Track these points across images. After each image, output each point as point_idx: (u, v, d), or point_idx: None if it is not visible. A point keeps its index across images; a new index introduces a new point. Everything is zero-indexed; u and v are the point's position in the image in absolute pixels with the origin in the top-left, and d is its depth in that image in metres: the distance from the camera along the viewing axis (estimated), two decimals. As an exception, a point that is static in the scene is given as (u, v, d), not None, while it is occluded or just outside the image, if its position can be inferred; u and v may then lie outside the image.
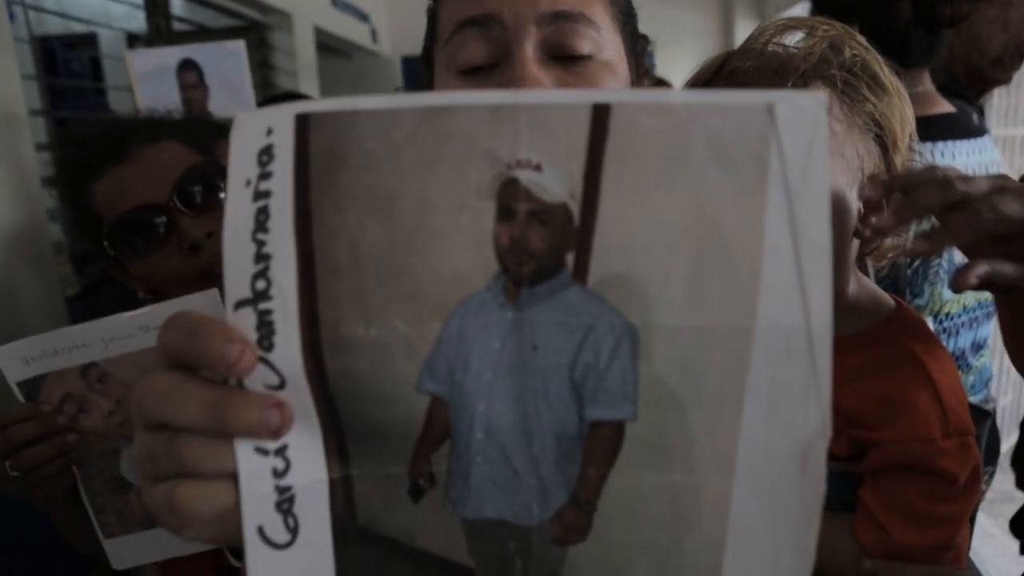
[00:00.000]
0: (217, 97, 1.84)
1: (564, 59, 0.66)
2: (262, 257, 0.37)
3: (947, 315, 1.23)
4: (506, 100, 0.35)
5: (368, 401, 0.39)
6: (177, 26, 3.14)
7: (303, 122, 0.36)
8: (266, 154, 0.37)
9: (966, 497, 0.68)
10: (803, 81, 0.70)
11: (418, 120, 0.35)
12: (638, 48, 0.74)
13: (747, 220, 0.34)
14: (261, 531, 0.39)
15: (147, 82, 1.75)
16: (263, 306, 0.37)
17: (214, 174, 1.02)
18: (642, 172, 0.34)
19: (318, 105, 0.37)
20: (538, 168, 0.35)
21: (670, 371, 0.37)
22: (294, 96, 2.58)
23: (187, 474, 0.37)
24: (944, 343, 0.96)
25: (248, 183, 0.37)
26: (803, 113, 0.33)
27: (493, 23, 0.65)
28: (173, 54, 1.80)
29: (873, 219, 0.62)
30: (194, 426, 0.37)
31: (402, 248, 0.36)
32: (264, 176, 0.37)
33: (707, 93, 0.34)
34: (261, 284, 0.37)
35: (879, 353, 0.71)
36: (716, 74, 0.77)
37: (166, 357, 0.39)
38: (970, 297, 1.23)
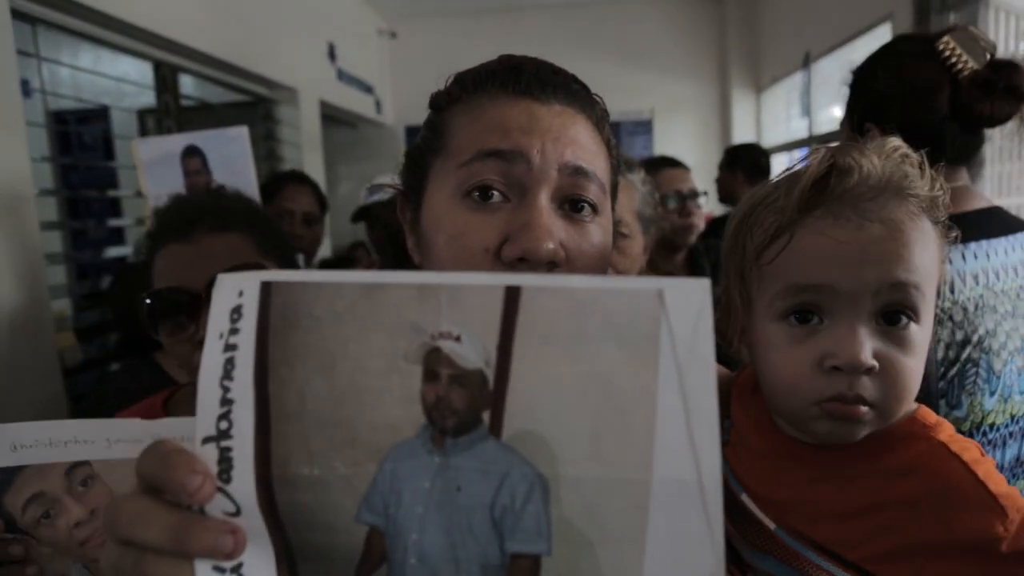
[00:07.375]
0: (220, 181, 1.86)
1: (569, 212, 0.69)
2: (226, 401, 0.43)
3: (991, 426, 1.14)
4: (430, 280, 0.41)
5: (314, 529, 0.44)
6: (185, 103, 3.24)
7: (267, 288, 0.43)
8: (236, 312, 0.43)
9: None
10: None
11: (357, 293, 0.42)
12: (614, 178, 0.78)
13: (641, 388, 0.39)
14: None
15: (153, 168, 1.82)
16: (224, 444, 0.42)
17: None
18: (548, 345, 0.40)
19: (279, 275, 0.43)
20: (458, 339, 0.40)
21: (577, 514, 0.42)
22: (297, 177, 2.59)
23: None
24: (990, 455, 0.82)
25: (221, 336, 0.43)
26: (689, 296, 0.39)
27: (520, 160, 0.66)
28: (177, 141, 1.87)
29: None
30: (158, 547, 0.42)
31: (341, 401, 0.42)
32: (233, 331, 0.43)
33: (604, 279, 0.40)
34: (224, 424, 0.42)
35: (905, 455, 0.67)
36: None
37: (139, 480, 0.43)
38: (1019, 405, 1.15)
